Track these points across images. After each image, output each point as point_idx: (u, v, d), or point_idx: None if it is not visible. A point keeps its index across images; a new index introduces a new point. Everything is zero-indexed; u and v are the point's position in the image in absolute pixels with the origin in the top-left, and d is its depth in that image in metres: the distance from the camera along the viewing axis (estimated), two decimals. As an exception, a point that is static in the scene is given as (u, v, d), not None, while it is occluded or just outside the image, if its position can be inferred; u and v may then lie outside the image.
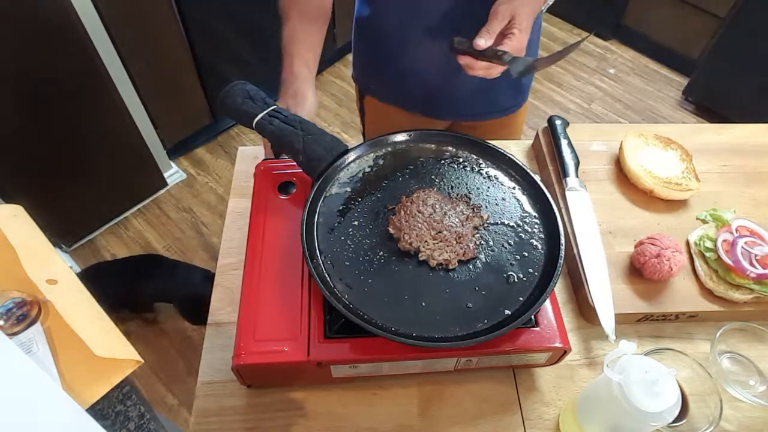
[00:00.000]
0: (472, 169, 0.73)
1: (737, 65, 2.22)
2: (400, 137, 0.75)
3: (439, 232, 0.65)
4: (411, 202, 0.67)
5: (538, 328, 0.61)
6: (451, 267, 0.62)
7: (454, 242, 0.64)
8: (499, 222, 0.67)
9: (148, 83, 1.76)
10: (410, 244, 0.63)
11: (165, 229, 1.95)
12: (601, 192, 0.84)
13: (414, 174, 0.72)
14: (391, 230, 0.65)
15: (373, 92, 1.05)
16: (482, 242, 0.65)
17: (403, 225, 0.65)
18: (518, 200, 0.70)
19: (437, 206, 0.67)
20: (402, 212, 0.66)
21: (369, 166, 0.72)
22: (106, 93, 1.60)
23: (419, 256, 0.63)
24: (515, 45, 0.71)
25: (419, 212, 0.66)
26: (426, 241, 0.64)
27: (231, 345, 0.58)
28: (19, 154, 1.51)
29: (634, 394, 0.48)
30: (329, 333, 0.59)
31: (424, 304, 0.60)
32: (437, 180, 0.72)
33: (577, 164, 0.83)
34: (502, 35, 0.72)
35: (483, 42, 0.70)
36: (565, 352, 0.62)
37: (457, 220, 0.66)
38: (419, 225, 0.65)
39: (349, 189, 0.69)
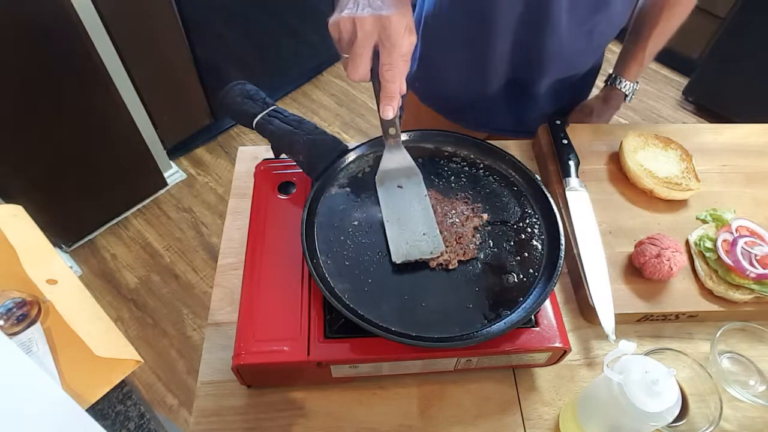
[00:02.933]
0: (472, 169, 0.73)
1: (737, 65, 2.22)
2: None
3: (439, 232, 0.65)
4: (411, 202, 0.67)
5: (538, 328, 0.61)
6: (451, 267, 0.62)
7: (454, 242, 0.64)
8: (499, 222, 0.67)
9: (148, 83, 1.76)
10: (410, 244, 0.63)
11: (165, 229, 1.95)
12: (601, 192, 0.84)
13: (414, 174, 0.72)
14: (391, 230, 0.65)
15: (416, 89, 1.05)
16: (482, 242, 0.65)
17: (403, 225, 0.65)
18: (518, 200, 0.70)
19: (437, 206, 0.67)
20: (402, 212, 0.66)
21: (369, 166, 0.72)
22: (106, 93, 1.60)
23: (419, 256, 0.63)
24: None
25: (419, 212, 0.66)
26: (426, 241, 0.64)
27: (231, 345, 0.58)
28: (19, 154, 1.51)
29: (634, 394, 0.48)
30: (329, 333, 0.59)
31: (424, 304, 0.60)
32: (437, 180, 0.71)
33: (577, 164, 0.83)
34: None
35: None
36: (565, 352, 0.62)
37: (457, 220, 0.66)
38: (419, 225, 0.65)
39: (349, 189, 0.69)
